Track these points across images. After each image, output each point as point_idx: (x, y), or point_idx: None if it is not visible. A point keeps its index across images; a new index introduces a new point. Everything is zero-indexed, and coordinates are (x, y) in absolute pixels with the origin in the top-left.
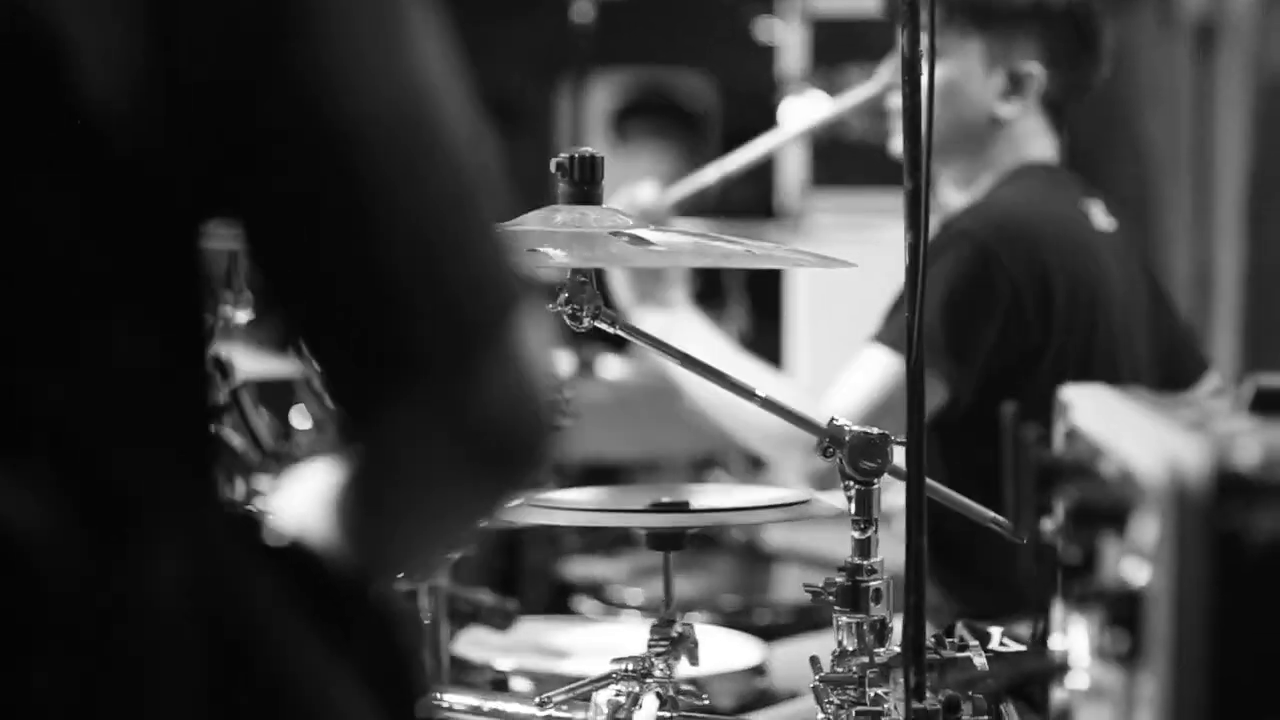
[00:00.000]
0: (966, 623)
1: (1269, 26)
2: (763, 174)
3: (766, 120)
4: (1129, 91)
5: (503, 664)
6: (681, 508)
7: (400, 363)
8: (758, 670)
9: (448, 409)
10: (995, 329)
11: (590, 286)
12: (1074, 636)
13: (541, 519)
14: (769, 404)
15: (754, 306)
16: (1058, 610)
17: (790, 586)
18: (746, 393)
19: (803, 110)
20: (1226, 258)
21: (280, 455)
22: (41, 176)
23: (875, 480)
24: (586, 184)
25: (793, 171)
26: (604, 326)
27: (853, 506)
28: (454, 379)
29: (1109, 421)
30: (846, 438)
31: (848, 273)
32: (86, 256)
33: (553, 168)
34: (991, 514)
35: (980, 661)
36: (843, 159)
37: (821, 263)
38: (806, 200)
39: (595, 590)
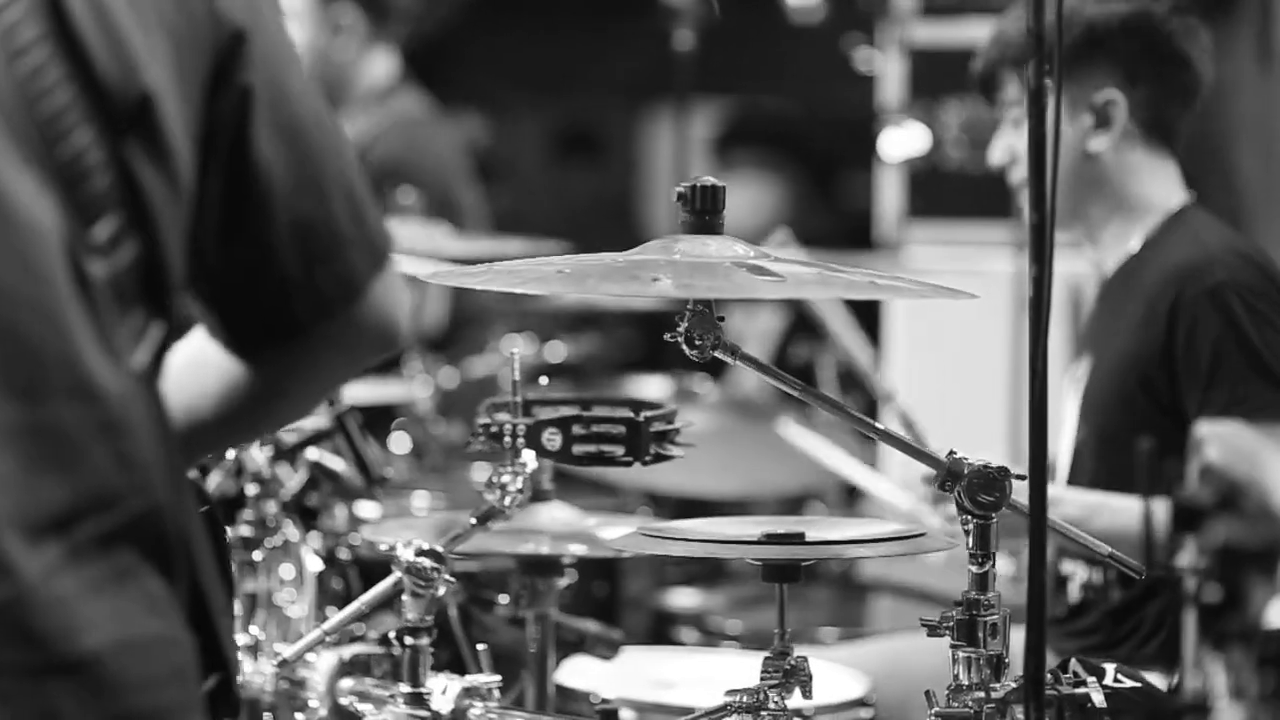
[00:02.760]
0: (1081, 658)
1: None
2: (862, 205)
3: (866, 151)
4: (1224, 126)
5: (607, 694)
6: (798, 539)
7: (344, 283)
8: (864, 702)
9: (365, 317)
10: None
11: (710, 316)
12: (1212, 676)
13: (656, 549)
14: (886, 436)
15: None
16: (1195, 649)
17: (884, 618)
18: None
19: (901, 141)
20: None
21: (384, 480)
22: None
23: (993, 515)
24: (707, 213)
25: (890, 202)
26: (723, 357)
27: (971, 541)
28: (370, 294)
29: (1249, 459)
30: (965, 471)
31: (945, 304)
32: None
33: (674, 197)
34: (1109, 549)
35: (1099, 698)
36: (940, 190)
37: (943, 293)
38: (904, 231)
39: (695, 621)
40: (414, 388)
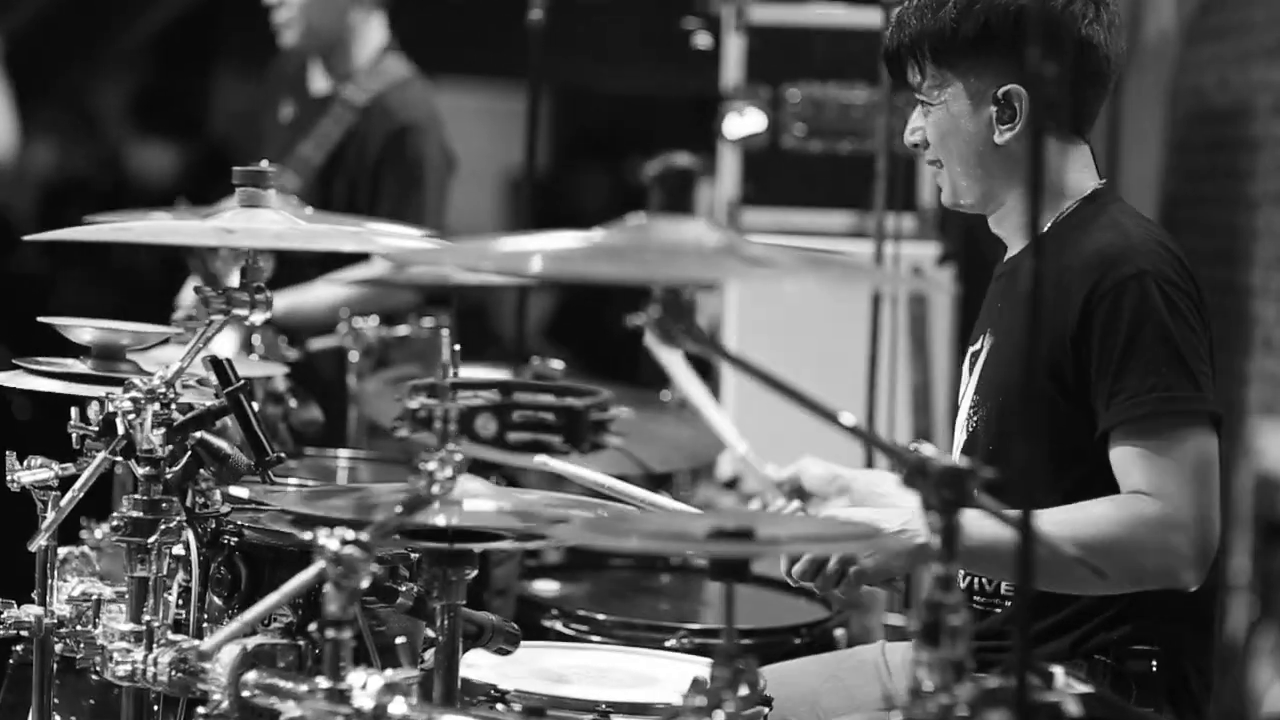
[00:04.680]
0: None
1: (1187, 57)
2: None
3: (707, 132)
4: None
5: (504, 686)
6: (747, 535)
7: None
8: (764, 700)
9: None
10: (1206, 341)
11: (683, 302)
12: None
13: (609, 542)
14: (857, 431)
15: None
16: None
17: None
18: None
19: (741, 124)
20: None
21: (279, 461)
22: None
23: (956, 511)
24: (681, 195)
25: (727, 189)
26: (695, 347)
27: (935, 540)
28: None
29: None
30: (929, 468)
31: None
32: None
33: (648, 179)
34: (1076, 553)
35: (1074, 707)
36: (775, 177)
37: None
38: (737, 219)
39: (562, 611)
40: (265, 365)
